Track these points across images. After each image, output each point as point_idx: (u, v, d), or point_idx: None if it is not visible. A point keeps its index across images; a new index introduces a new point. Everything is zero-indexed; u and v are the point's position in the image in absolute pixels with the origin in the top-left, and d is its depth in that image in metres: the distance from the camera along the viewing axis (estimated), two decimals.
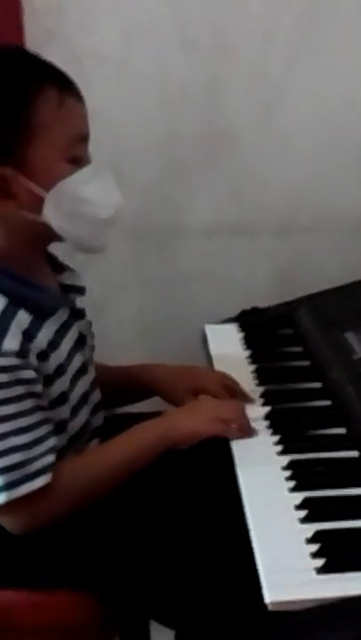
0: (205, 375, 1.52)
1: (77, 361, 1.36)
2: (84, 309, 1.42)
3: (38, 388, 1.26)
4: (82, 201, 1.27)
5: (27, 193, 1.25)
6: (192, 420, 1.35)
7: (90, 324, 1.44)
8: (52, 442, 1.26)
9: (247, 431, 1.36)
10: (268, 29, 1.94)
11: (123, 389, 1.52)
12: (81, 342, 1.38)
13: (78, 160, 1.27)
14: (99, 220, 1.29)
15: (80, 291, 1.42)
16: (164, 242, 2.03)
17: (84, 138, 1.28)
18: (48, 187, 1.25)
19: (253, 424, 1.37)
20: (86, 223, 1.29)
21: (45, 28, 1.91)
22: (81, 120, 1.28)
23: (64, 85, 1.27)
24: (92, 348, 1.44)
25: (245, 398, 1.47)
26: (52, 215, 1.26)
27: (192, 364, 1.56)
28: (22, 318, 1.25)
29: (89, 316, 1.44)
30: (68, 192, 1.26)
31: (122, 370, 1.55)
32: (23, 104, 1.23)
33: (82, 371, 1.37)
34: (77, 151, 1.27)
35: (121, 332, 2.07)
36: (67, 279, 1.41)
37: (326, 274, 1.95)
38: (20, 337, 1.23)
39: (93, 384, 1.41)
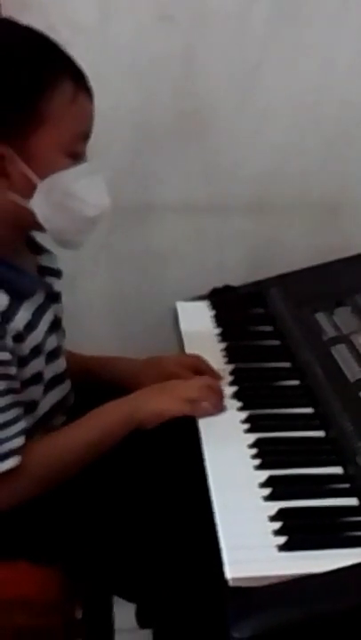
0: (171, 361, 1.51)
1: (52, 343, 1.36)
2: (59, 293, 1.42)
3: (12, 370, 1.25)
4: (71, 196, 1.27)
5: (20, 177, 1.25)
6: (158, 401, 1.35)
7: (62, 308, 1.43)
8: (22, 424, 1.25)
9: (214, 410, 1.36)
10: (245, 7, 1.92)
11: (84, 381, 1.49)
12: (56, 325, 1.38)
13: (76, 156, 1.28)
14: (84, 217, 1.30)
15: (57, 274, 1.42)
16: (135, 219, 2.02)
17: (86, 136, 1.29)
18: (42, 176, 1.25)
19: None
20: (71, 218, 1.30)
21: None
22: (88, 118, 1.29)
23: (80, 81, 1.27)
24: (64, 332, 1.43)
25: (216, 377, 1.45)
26: (39, 204, 1.26)
27: (157, 355, 1.54)
28: (0, 300, 1.24)
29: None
30: (61, 185, 1.26)
31: (84, 360, 1.53)
32: (39, 90, 1.23)
33: (56, 353, 1.37)
34: (77, 147, 1.28)
35: (91, 308, 2.06)
36: (44, 261, 1.41)
37: (298, 255, 1.95)
38: None
39: (66, 366, 1.41)
